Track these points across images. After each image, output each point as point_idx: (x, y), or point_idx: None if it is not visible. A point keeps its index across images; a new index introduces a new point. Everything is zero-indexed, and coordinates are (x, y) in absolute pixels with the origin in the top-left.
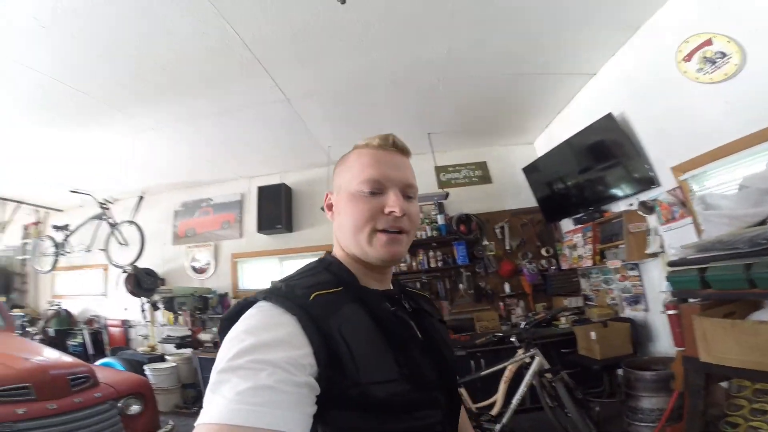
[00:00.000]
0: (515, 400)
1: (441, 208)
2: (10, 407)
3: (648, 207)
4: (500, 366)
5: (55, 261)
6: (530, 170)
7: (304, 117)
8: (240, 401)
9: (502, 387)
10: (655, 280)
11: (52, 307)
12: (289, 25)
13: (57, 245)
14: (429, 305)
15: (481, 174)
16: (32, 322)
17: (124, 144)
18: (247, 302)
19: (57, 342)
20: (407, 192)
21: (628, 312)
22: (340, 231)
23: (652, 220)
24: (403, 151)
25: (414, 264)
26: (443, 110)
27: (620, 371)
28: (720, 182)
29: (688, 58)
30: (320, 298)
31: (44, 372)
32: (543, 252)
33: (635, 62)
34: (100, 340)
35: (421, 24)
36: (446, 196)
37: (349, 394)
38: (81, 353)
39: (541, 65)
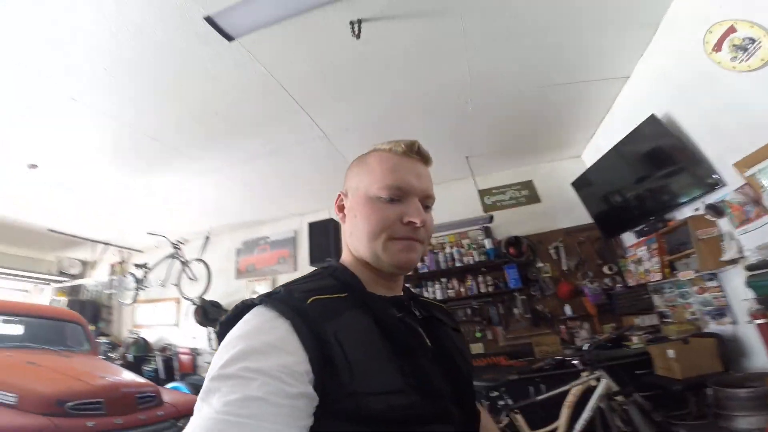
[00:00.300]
0: (579, 426)
1: (488, 233)
2: (82, 420)
3: (717, 210)
4: (561, 389)
5: (136, 294)
6: (580, 184)
7: (343, 151)
8: (228, 412)
9: (565, 412)
10: (739, 289)
11: (132, 336)
12: (316, 63)
13: (137, 281)
14: (443, 314)
15: (528, 194)
16: (114, 348)
17: (190, 187)
18: (244, 306)
19: (134, 367)
20: (426, 202)
21: (712, 327)
22: (352, 235)
23: (723, 224)
24: (426, 160)
25: (462, 290)
26: (478, 132)
27: (710, 390)
28: None
29: (718, 48)
30: (318, 302)
31: (116, 389)
32: (605, 270)
33: (666, 59)
34: (171, 366)
35: (435, 48)
36: (491, 219)
37: (344, 404)
38: (154, 378)
39: (570, 74)
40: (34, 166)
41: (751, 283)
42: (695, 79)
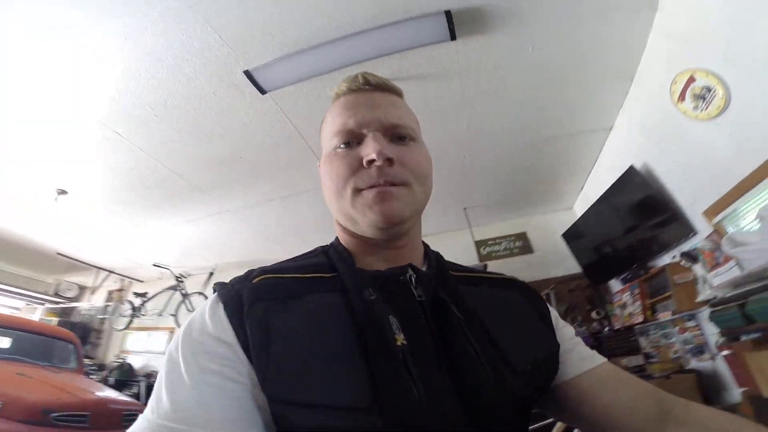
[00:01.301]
0: None
1: None
2: (64, 431)
3: (691, 257)
4: (541, 423)
5: (130, 321)
6: (569, 236)
7: None
8: (162, 416)
9: None
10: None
11: (118, 360)
12: None
13: (134, 308)
14: (494, 289)
15: (521, 245)
16: (99, 369)
17: (205, 225)
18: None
19: (114, 389)
20: (396, 132)
21: (693, 363)
22: (328, 201)
23: (698, 269)
24: (382, 87)
25: None
26: (475, 185)
27: None
28: (752, 219)
29: (682, 97)
30: (269, 281)
31: (104, 404)
32: (593, 315)
33: (642, 110)
34: None
35: (437, 106)
36: (485, 267)
37: (270, 412)
38: None
39: (558, 127)
40: (63, 192)
41: (712, 317)
42: (666, 129)
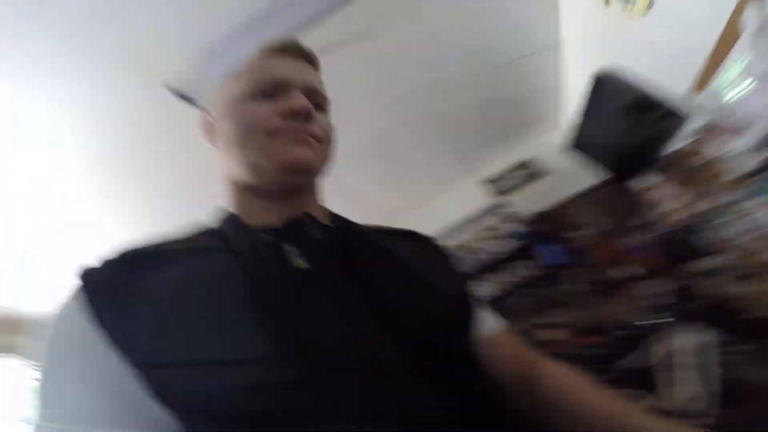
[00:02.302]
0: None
1: (508, 218)
2: None
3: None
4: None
5: None
6: (576, 147)
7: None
8: None
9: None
10: None
11: None
12: None
13: None
14: (401, 240)
15: (527, 173)
16: None
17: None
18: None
19: None
20: (316, 97)
21: None
22: (224, 149)
23: (716, 146)
24: (310, 58)
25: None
26: (455, 132)
27: None
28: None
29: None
30: (139, 254)
31: None
32: (641, 221)
33: (579, 21)
34: None
35: (381, 65)
36: (505, 205)
37: (150, 386)
38: None
39: (506, 54)
40: None
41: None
42: (613, 35)
